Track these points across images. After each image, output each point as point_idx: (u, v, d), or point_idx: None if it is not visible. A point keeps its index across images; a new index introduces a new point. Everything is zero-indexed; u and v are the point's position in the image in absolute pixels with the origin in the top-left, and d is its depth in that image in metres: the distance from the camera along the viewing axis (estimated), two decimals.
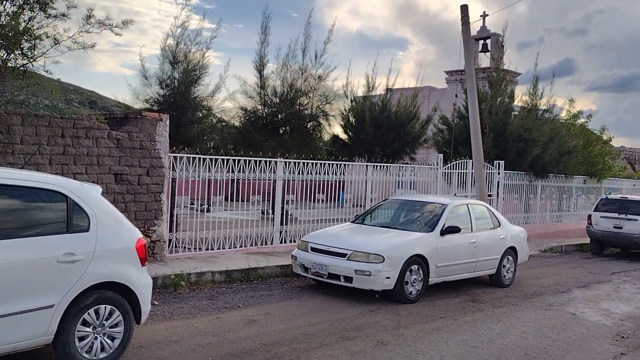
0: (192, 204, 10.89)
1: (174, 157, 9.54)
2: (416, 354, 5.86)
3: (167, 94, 11.08)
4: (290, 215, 12.11)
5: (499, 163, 16.80)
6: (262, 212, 12.03)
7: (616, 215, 15.53)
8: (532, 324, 7.43)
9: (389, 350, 5.95)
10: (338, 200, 12.93)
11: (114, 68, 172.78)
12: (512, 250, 10.33)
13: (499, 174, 16.85)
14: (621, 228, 15.34)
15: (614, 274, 12.43)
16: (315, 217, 12.00)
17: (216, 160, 10.09)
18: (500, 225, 10.30)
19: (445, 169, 15.30)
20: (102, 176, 8.28)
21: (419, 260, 8.47)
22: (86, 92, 63.46)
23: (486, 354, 6.02)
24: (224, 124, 12.54)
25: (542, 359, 5.95)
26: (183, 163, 9.67)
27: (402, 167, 14.49)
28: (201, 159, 9.88)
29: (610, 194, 17.44)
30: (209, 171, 9.96)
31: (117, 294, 4.99)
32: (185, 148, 11.14)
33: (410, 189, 14.69)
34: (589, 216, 16.25)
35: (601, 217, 15.81)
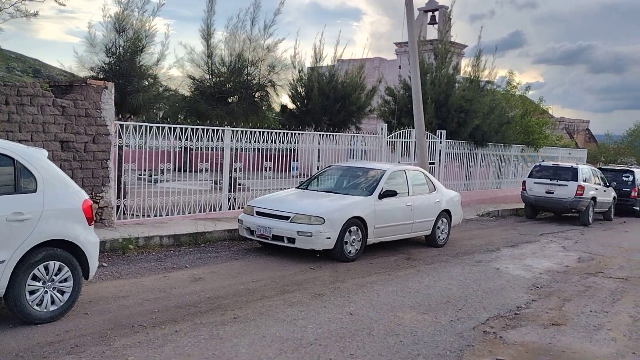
0: (147, 173, 11.08)
1: (120, 125, 9.69)
2: (349, 303, 6.41)
3: (113, 62, 11.09)
4: (240, 184, 12.47)
5: (441, 132, 17.54)
6: (215, 183, 12.33)
7: (548, 181, 16.57)
8: (458, 277, 8.13)
9: (324, 300, 6.49)
10: (291, 169, 13.32)
11: (58, 35, 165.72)
12: (446, 213, 11.03)
13: (441, 143, 17.60)
14: (552, 193, 16.40)
15: (542, 235, 13.40)
16: (266, 186, 12.38)
17: (163, 128, 10.30)
18: (435, 190, 10.96)
19: (389, 138, 15.91)
20: (48, 143, 8.40)
21: (358, 222, 9.02)
22: (29, 60, 60.85)
23: (412, 302, 6.64)
24: (171, 92, 12.64)
25: (461, 305, 6.61)
26: (129, 131, 9.85)
27: (351, 136, 15.03)
28: (147, 127, 10.07)
29: (543, 161, 18.52)
30: (156, 139, 10.17)
31: (66, 251, 5.30)
32: (132, 116, 11.24)
33: (362, 157, 15.26)
34: (524, 182, 17.26)
35: (534, 183, 16.83)
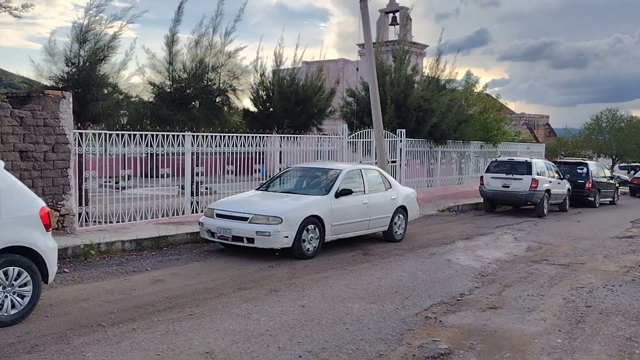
0: (110, 180, 11.25)
1: (79, 133, 9.86)
2: (302, 297, 6.77)
3: (72, 71, 11.23)
4: (208, 188, 12.72)
5: (401, 131, 18.05)
6: (182, 187, 12.53)
7: (504, 175, 17.23)
8: (410, 269, 8.56)
9: (279, 295, 6.82)
10: (257, 172, 13.53)
11: (19, 42, 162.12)
12: (402, 209, 11.48)
13: (401, 141, 18.11)
14: (509, 187, 17.06)
15: (497, 228, 13.98)
16: (233, 189, 12.63)
17: (122, 135, 10.49)
18: (391, 187, 11.40)
19: (350, 139, 16.34)
20: (7, 154, 8.53)
21: (315, 220, 9.38)
22: None
23: (362, 293, 7.03)
24: (132, 99, 12.82)
25: (408, 294, 7.02)
26: (89, 139, 10.02)
27: (312, 137, 15.41)
28: (107, 135, 10.25)
29: (499, 156, 19.20)
30: (116, 146, 10.36)
31: (25, 256, 5.52)
32: (91, 125, 11.40)
33: (329, 158, 15.66)
34: (481, 177, 17.90)
35: (492, 177, 17.48)
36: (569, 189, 18.94)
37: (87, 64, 11.12)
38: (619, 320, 6.21)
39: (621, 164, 36.41)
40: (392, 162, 17.61)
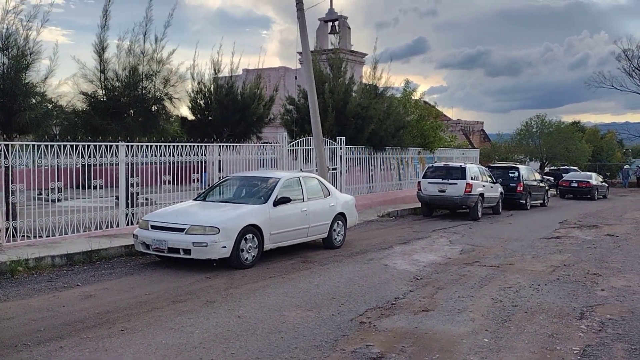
0: (39, 194, 10.81)
1: (4, 145, 9.45)
2: (239, 307, 6.74)
3: None
4: (148, 199, 12.43)
5: (341, 139, 18.28)
6: (117, 198, 12.20)
7: (440, 180, 17.75)
8: (347, 275, 8.67)
9: (215, 307, 6.77)
10: (195, 182, 13.30)
11: None
12: (341, 216, 11.62)
13: (341, 148, 18.33)
14: (445, 192, 17.59)
15: (434, 231, 14.37)
16: (173, 199, 12.38)
17: (52, 146, 10.13)
18: (330, 194, 11.52)
19: (291, 146, 16.40)
20: None
21: (254, 230, 9.36)
22: None
23: (299, 301, 7.07)
24: (63, 109, 12.37)
25: (344, 300, 7.12)
26: (16, 151, 9.62)
27: (252, 146, 15.36)
28: (36, 146, 9.88)
29: (435, 162, 19.76)
30: (45, 158, 9.98)
31: None
32: (18, 136, 10.95)
33: (272, 166, 15.63)
34: (419, 183, 18.37)
35: (428, 182, 17.97)
36: (501, 193, 19.70)
37: (11, 72, 10.66)
38: (543, 318, 6.53)
39: (551, 167, 38.21)
40: (333, 169, 17.81)
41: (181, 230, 8.92)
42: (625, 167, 44.97)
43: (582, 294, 7.75)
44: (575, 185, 28.81)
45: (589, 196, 28.30)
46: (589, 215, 19.72)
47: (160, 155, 12.08)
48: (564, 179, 30.16)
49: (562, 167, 36.71)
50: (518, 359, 5.20)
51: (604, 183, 30.91)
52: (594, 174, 30.66)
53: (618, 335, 5.92)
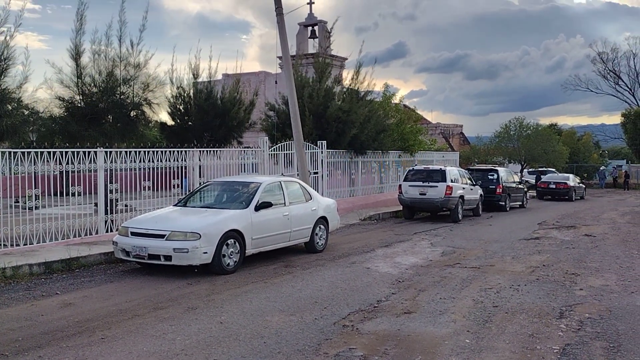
0: (16, 201, 10.63)
1: None
2: (221, 313, 6.70)
3: None
4: (127, 205, 12.28)
5: (322, 143, 18.30)
6: (96, 205, 12.04)
7: (421, 183, 17.88)
8: (330, 279, 8.68)
9: (197, 313, 6.71)
10: (175, 187, 13.19)
11: None
12: (323, 220, 11.62)
13: (322, 153, 18.36)
14: (425, 194, 17.71)
15: (416, 234, 14.45)
16: (153, 205, 12.26)
17: (29, 153, 9.98)
18: (311, 199, 11.52)
19: (272, 151, 16.38)
20: None
21: (235, 235, 9.31)
22: None
23: (282, 306, 7.05)
24: (39, 115, 12.22)
25: (327, 304, 7.12)
26: None
27: (232, 150, 15.29)
28: (12, 153, 9.72)
29: (416, 165, 19.90)
30: (21, 165, 9.83)
31: None
32: None
33: (254, 171, 15.56)
34: (400, 186, 18.47)
35: (409, 186, 18.08)
36: (481, 195, 19.90)
37: None
38: (523, 318, 6.60)
39: (530, 169, 38.70)
40: (314, 173, 17.82)
41: (162, 236, 8.83)
42: (601, 168, 45.76)
43: (561, 293, 7.85)
44: (554, 186, 29.22)
45: (566, 197, 28.73)
46: (567, 216, 20.02)
47: (140, 161, 11.96)
48: (542, 180, 30.58)
49: (539, 169, 37.22)
50: (499, 359, 5.25)
51: (581, 184, 31.41)
52: (571, 176, 31.14)
53: (597, 334, 6.02)
